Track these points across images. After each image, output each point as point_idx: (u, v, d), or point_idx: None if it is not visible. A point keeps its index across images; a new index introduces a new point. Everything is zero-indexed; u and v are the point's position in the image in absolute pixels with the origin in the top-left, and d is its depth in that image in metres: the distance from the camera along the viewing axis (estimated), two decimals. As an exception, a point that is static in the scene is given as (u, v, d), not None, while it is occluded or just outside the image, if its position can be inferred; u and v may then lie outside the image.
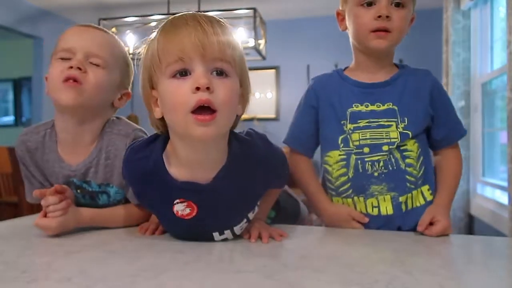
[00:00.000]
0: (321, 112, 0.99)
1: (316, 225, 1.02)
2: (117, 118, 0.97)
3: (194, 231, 0.80)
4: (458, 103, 2.69)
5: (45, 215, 0.81)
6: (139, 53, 0.75)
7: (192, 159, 0.74)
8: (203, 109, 0.65)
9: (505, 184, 2.09)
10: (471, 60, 2.76)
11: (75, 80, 0.84)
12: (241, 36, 2.83)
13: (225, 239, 0.83)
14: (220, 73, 0.68)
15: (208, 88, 0.65)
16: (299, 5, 4.06)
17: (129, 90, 0.98)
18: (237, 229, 0.83)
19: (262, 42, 3.09)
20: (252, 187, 0.81)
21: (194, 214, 0.77)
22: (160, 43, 0.68)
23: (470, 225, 2.71)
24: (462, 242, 0.93)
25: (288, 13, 4.27)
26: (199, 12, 0.71)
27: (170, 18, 0.71)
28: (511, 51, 1.78)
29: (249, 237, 0.83)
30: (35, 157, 0.93)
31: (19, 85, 5.68)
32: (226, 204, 0.78)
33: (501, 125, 2.39)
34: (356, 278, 0.61)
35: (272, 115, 4.47)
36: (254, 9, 2.87)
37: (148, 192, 0.79)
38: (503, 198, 2.27)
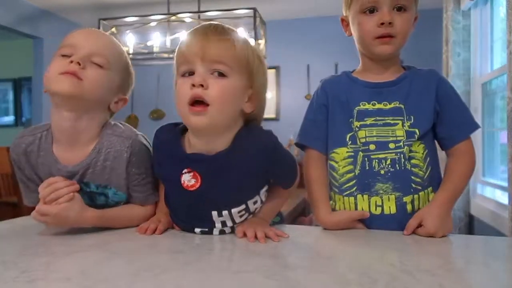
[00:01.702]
0: (331, 110, 1.01)
1: (316, 225, 1.01)
2: (119, 123, 0.97)
3: (195, 208, 0.86)
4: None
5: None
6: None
7: (201, 146, 0.83)
8: (198, 102, 0.77)
9: (505, 184, 2.09)
10: (471, 60, 2.76)
11: (73, 74, 0.84)
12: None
13: (224, 224, 0.86)
14: (219, 74, 0.78)
15: (202, 85, 0.77)
16: (299, 5, 4.06)
17: (127, 96, 0.97)
18: (235, 214, 0.86)
19: (262, 42, 3.08)
20: (252, 173, 0.85)
21: (198, 185, 0.84)
22: (177, 51, 0.83)
23: (470, 225, 2.70)
24: (462, 242, 0.93)
25: (288, 13, 4.26)
26: (212, 22, 0.83)
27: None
28: (511, 51, 1.78)
29: (244, 236, 0.84)
30: (30, 159, 0.92)
31: (19, 85, 5.67)
32: (227, 181, 0.84)
33: (501, 125, 2.38)
34: (356, 278, 0.61)
35: (272, 115, 4.47)
36: (254, 9, 2.87)
37: (164, 160, 0.89)
38: (503, 198, 2.27)
